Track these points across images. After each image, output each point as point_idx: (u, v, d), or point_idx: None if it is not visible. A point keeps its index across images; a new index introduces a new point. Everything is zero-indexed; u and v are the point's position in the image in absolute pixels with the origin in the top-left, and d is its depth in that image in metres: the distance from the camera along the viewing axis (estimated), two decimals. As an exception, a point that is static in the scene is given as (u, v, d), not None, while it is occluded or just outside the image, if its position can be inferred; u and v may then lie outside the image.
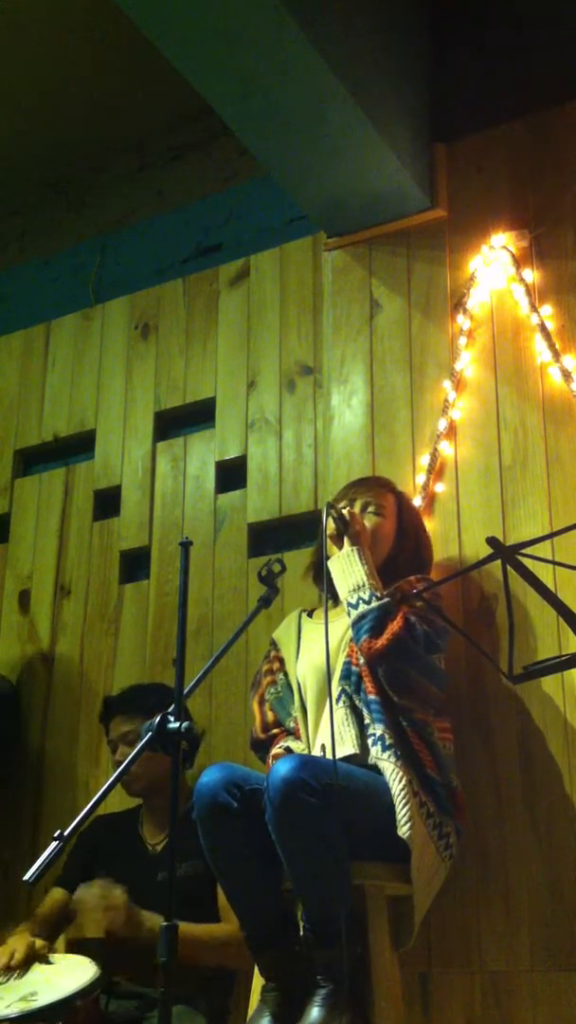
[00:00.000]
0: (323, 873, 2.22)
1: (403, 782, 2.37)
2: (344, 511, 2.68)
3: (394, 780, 2.38)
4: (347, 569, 2.59)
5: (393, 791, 2.37)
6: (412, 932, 2.43)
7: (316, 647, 2.68)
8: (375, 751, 2.43)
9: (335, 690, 2.56)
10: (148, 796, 2.93)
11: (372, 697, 2.49)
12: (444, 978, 2.69)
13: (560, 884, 2.63)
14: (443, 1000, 2.68)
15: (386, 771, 2.40)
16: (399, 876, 2.38)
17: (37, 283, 4.38)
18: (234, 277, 3.76)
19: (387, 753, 2.42)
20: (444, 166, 3.33)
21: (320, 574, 2.83)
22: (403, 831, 2.33)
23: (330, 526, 2.63)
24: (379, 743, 2.43)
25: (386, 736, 2.44)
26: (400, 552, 2.78)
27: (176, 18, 2.69)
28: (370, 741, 2.45)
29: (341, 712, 2.51)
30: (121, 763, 2.91)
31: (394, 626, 2.48)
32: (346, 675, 2.55)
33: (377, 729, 2.45)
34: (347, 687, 2.54)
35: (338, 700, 2.53)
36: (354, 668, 2.55)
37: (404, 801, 2.35)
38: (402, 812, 2.34)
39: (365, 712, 2.49)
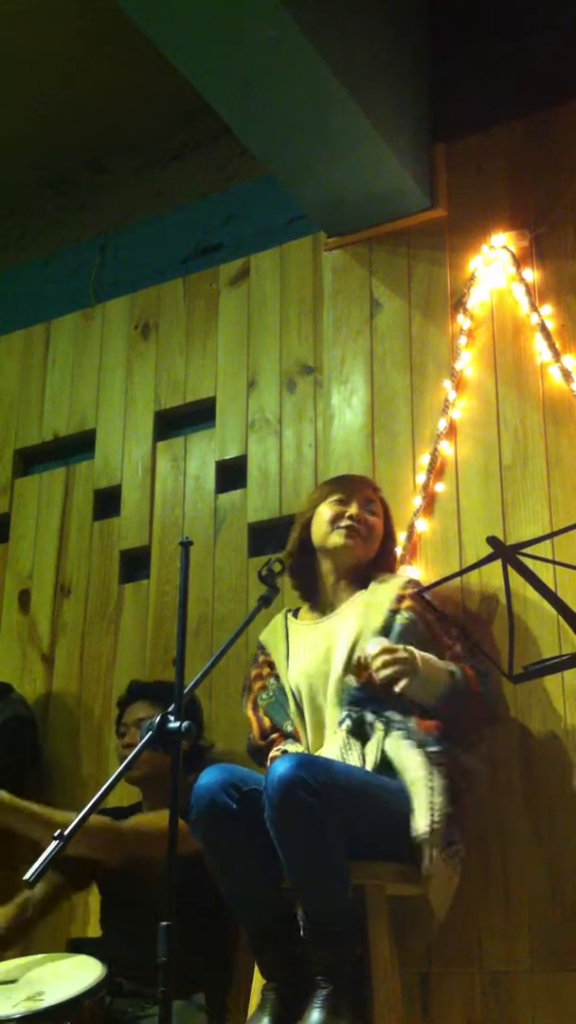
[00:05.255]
0: (322, 872, 2.21)
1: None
2: (330, 511, 2.73)
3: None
4: (425, 690, 2.50)
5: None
6: (431, 933, 2.48)
7: (306, 653, 2.68)
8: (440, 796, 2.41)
9: (338, 713, 2.53)
10: (147, 788, 2.93)
11: (424, 732, 2.47)
12: (444, 978, 2.69)
13: (560, 884, 2.63)
14: (443, 1000, 2.68)
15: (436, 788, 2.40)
16: (399, 876, 2.38)
17: (37, 283, 4.38)
18: (234, 277, 3.76)
19: (446, 797, 2.41)
20: (444, 166, 3.33)
21: (296, 574, 2.82)
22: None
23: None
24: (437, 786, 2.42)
25: (442, 778, 2.43)
26: (383, 550, 2.81)
27: (176, 18, 2.69)
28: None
29: (341, 736, 2.48)
30: (124, 752, 2.94)
31: (474, 687, 2.52)
32: (355, 701, 2.52)
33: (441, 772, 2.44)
34: (353, 713, 2.50)
35: (340, 724, 2.50)
36: (362, 691, 2.51)
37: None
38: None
39: (405, 738, 2.46)
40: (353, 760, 2.44)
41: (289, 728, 2.62)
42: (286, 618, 2.82)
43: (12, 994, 2.34)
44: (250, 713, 2.72)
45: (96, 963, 2.44)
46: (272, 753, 2.57)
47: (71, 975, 2.41)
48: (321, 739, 2.56)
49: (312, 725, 2.60)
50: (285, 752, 2.51)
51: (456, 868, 2.46)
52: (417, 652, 2.47)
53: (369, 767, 2.43)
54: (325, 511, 2.75)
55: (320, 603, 2.77)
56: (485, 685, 2.57)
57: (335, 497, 2.77)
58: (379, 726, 2.47)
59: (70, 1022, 2.26)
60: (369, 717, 2.49)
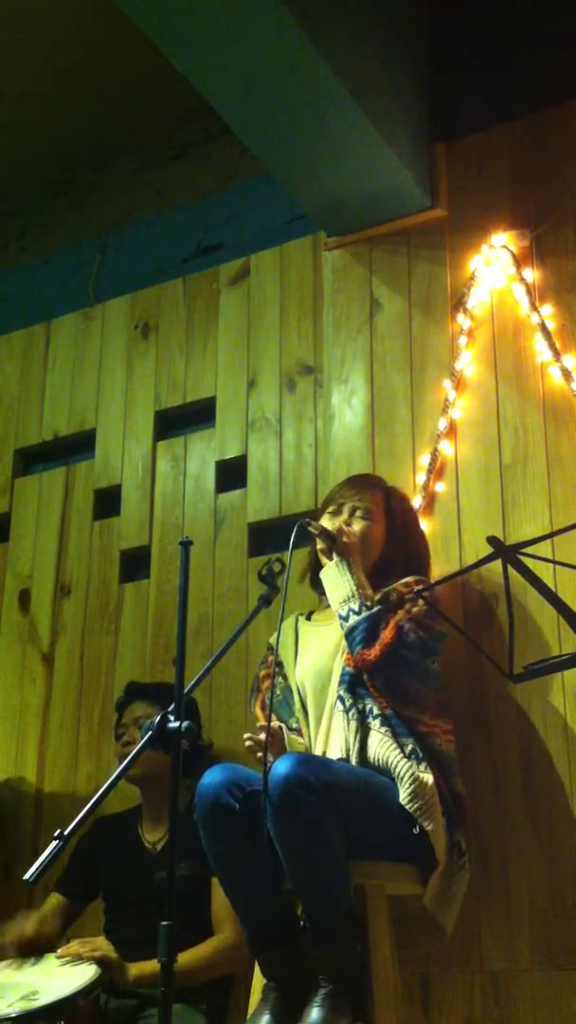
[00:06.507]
0: (322, 871, 2.22)
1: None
2: (329, 525, 2.67)
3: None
4: (337, 580, 2.60)
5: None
6: (445, 935, 2.50)
7: (314, 652, 2.69)
8: (414, 765, 2.41)
9: (332, 695, 2.56)
10: (145, 788, 2.93)
11: (389, 712, 2.47)
12: (444, 978, 2.69)
13: (560, 884, 2.63)
14: (443, 1000, 2.68)
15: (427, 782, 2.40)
16: (399, 876, 2.38)
17: (37, 283, 4.38)
18: (234, 277, 3.76)
19: (423, 765, 2.42)
20: (444, 166, 3.33)
21: (314, 584, 2.82)
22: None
23: (320, 542, 2.66)
24: (414, 756, 2.43)
25: (418, 749, 2.44)
26: (395, 552, 2.75)
27: (176, 17, 2.69)
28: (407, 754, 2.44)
29: (338, 717, 2.51)
30: (123, 751, 2.94)
31: (385, 636, 2.48)
32: (343, 681, 2.54)
33: (408, 743, 2.45)
34: (342, 692, 2.53)
35: (334, 705, 2.53)
36: (347, 668, 2.54)
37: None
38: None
39: (386, 728, 2.46)
40: (340, 742, 2.46)
41: (294, 724, 2.64)
42: (296, 620, 2.83)
43: (7, 993, 2.35)
44: (258, 710, 2.72)
45: (91, 962, 2.44)
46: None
47: (67, 974, 2.42)
48: (326, 734, 2.57)
49: (316, 721, 2.61)
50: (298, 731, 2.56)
51: (462, 865, 2.47)
52: (357, 561, 2.60)
53: (358, 754, 2.45)
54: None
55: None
56: (405, 644, 2.49)
57: (330, 509, 2.77)
58: (374, 723, 2.48)
59: (64, 1021, 2.26)
60: (360, 704, 2.50)
